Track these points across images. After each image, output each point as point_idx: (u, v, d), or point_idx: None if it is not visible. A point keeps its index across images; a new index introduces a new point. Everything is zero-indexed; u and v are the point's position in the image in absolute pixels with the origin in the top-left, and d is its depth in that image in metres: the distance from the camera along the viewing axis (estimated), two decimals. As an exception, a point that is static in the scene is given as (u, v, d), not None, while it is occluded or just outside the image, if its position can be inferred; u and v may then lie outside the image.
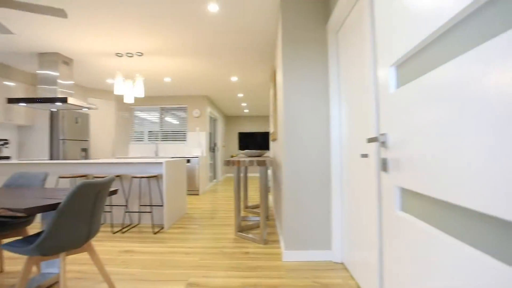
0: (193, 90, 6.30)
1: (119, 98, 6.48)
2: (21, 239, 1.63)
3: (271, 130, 4.61)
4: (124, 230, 3.34)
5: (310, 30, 2.43)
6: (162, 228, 3.42)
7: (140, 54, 3.85)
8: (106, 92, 6.19)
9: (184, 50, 3.77)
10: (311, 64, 2.42)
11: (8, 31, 2.43)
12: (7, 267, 2.30)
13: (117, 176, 3.46)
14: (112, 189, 1.97)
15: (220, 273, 2.15)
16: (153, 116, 6.90)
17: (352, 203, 1.99)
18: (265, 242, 2.82)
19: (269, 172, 8.18)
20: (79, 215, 1.57)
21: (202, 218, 3.90)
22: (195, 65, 4.45)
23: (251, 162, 2.90)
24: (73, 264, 2.33)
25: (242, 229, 3.24)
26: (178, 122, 6.87)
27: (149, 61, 4.21)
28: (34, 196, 1.73)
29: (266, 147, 10.32)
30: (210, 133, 7.65)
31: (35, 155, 4.80)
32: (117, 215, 3.64)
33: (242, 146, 10.65)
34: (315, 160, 2.40)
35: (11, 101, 3.70)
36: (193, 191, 6.12)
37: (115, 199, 3.65)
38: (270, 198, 5.46)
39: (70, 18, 2.88)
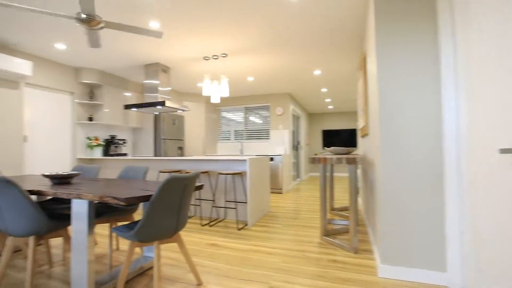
0: (275, 88, 6.28)
1: (208, 100, 7.04)
2: (127, 224, 1.84)
3: (359, 125, 4.12)
4: (212, 223, 3.53)
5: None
6: (246, 225, 3.46)
7: (224, 55, 4.02)
8: (197, 95, 6.81)
9: (265, 46, 3.74)
10: (413, 44, 1.97)
11: (99, 45, 2.82)
12: (122, 246, 2.69)
13: (205, 172, 3.69)
14: (198, 184, 2.04)
15: (304, 280, 1.97)
16: (238, 116, 7.23)
17: (482, 211, 1.49)
18: (356, 250, 2.48)
19: (358, 172, 7.47)
20: (168, 207, 1.65)
21: (285, 218, 3.79)
22: (277, 61, 4.38)
23: (339, 160, 2.60)
24: (169, 251, 2.55)
25: (328, 233, 2.96)
26: (261, 121, 7.00)
27: (232, 62, 4.37)
28: (135, 187, 1.93)
29: (352, 145, 9.52)
30: (293, 131, 7.51)
31: (144, 152, 5.64)
32: (205, 209, 3.89)
33: (326, 144, 10.14)
34: (420, 157, 1.94)
35: (126, 107, 4.42)
36: (276, 189, 6.11)
37: (203, 194, 3.91)
38: (359, 200, 4.93)
39: (167, 30, 3.19)
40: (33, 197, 3.02)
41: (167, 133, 5.63)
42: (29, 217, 1.72)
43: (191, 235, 3.04)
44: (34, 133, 4.09)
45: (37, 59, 4.05)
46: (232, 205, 3.72)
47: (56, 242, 2.86)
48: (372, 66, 2.38)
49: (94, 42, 2.69)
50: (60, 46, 3.69)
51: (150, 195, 1.61)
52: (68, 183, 2.16)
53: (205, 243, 2.79)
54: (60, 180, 2.12)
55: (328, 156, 2.69)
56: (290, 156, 6.75)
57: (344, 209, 4.11)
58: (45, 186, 2.01)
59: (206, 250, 2.59)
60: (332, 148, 3.05)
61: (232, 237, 2.97)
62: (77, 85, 4.60)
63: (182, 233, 3.13)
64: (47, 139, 4.28)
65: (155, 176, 4.21)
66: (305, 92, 6.64)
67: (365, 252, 2.47)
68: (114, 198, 1.50)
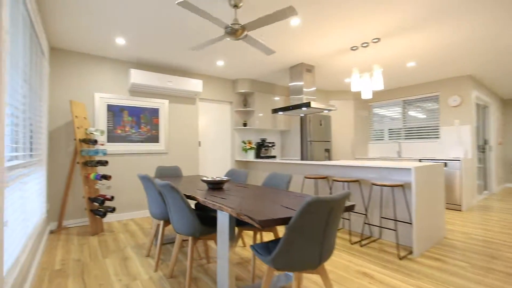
0: (448, 71, 4.78)
1: (357, 97, 6.32)
2: (266, 243, 1.70)
3: None
4: (363, 243, 2.98)
5: None
6: (410, 252, 2.69)
7: (376, 40, 3.34)
8: (344, 92, 6.26)
9: (430, 19, 2.78)
10: None
11: (271, 51, 2.87)
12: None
13: (356, 180, 3.18)
14: (348, 204, 1.64)
15: None
16: (394, 112, 6.08)
17: None
18: None
19: None
20: (309, 234, 1.36)
21: (472, 252, 2.68)
22: (449, 36, 3.22)
23: None
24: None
25: None
26: (425, 116, 5.56)
27: (387, 47, 3.59)
28: (277, 201, 1.78)
29: None
30: (477, 127, 5.53)
31: (291, 154, 5.73)
32: (356, 223, 3.37)
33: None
34: None
35: (274, 111, 4.58)
36: (452, 204, 4.64)
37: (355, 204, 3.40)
38: None
39: (308, 24, 2.95)
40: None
41: (314, 135, 5.46)
42: (187, 220, 1.91)
43: (338, 255, 2.65)
44: (204, 140, 4.96)
45: (204, 77, 4.87)
46: (390, 224, 3.01)
47: (217, 236, 3.24)
48: None
49: (264, 49, 2.84)
50: (220, 63, 4.24)
51: (289, 218, 1.37)
52: (220, 188, 2.31)
53: (354, 269, 2.32)
54: (213, 185, 2.30)
55: None
56: (473, 160, 4.97)
57: None
58: (202, 190, 2.22)
59: (355, 280, 2.13)
60: None
61: (390, 268, 2.34)
62: (234, 95, 5.23)
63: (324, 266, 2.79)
64: (213, 144, 5.09)
65: (300, 182, 4.10)
66: (500, 69, 4.68)
67: None
68: (250, 218, 1.37)
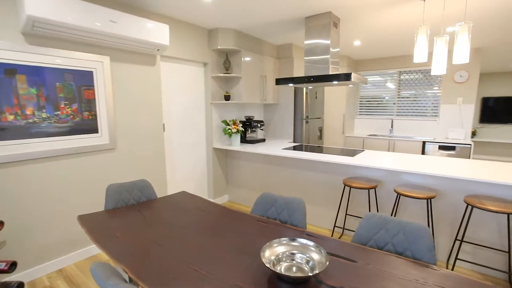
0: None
1: (350, 63, 5.29)
2: None
3: None
4: None
5: None
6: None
7: (477, -14, 2.20)
8: (339, 57, 5.12)
9: None
10: None
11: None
12: None
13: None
14: None
15: None
16: (385, 84, 5.34)
17: None
18: None
19: None
20: None
21: None
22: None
23: None
24: None
25: None
26: (423, 91, 4.96)
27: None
28: None
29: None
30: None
31: (280, 134, 4.49)
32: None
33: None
34: None
35: (281, 81, 3.15)
36: None
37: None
38: None
39: None
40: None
41: (310, 111, 4.30)
42: None
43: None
44: (168, 121, 3.25)
45: (169, 21, 2.99)
46: None
47: None
48: None
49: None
50: (207, -4, 2.48)
51: None
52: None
53: None
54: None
55: None
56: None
57: None
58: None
59: None
60: None
61: None
62: (210, 53, 3.51)
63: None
64: (182, 126, 3.42)
65: (334, 191, 2.98)
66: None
67: None
68: None
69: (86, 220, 1.64)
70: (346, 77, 2.60)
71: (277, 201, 1.77)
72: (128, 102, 2.66)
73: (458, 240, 2.35)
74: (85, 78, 2.37)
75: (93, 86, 2.43)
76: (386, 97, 5.32)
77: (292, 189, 3.30)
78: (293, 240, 1.25)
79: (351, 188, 2.87)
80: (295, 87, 4.22)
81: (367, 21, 3.16)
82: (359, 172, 2.79)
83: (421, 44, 2.48)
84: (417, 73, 4.97)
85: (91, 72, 2.41)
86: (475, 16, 2.97)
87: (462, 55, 2.33)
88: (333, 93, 5.20)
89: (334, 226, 2.89)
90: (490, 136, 6.82)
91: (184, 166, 3.45)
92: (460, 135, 4.56)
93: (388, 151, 4.66)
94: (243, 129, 3.80)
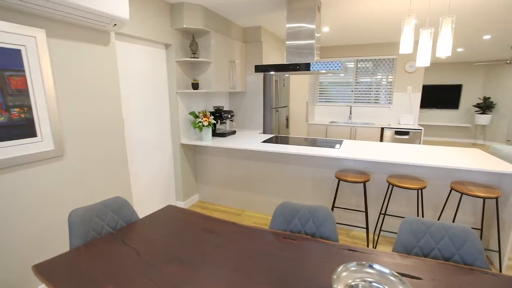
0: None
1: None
2: None
3: None
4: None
5: None
6: None
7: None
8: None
9: None
10: None
11: None
12: None
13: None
14: None
15: None
16: (344, 72, 5.46)
17: None
18: None
19: None
20: None
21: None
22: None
23: None
24: None
25: None
26: (378, 79, 5.23)
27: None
28: None
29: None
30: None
31: (248, 125, 4.19)
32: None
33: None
34: None
35: (261, 69, 2.83)
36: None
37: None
38: None
39: None
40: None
41: (279, 99, 4.10)
42: None
43: None
44: (127, 114, 2.66)
45: (126, -13, 2.36)
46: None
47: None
48: None
49: None
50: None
51: None
52: None
53: None
54: None
55: None
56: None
57: None
58: None
59: None
60: None
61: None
62: (174, 33, 2.95)
63: None
64: (142, 120, 2.86)
65: (328, 186, 2.84)
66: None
67: None
68: None
69: (48, 272, 1.13)
70: (338, 66, 2.44)
71: (299, 211, 1.52)
72: (77, 92, 2.02)
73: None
74: (9, 60, 1.67)
75: (23, 70, 1.74)
76: (345, 85, 5.46)
77: (272, 185, 3.10)
78: (362, 265, 1.03)
79: (340, 181, 2.80)
80: (264, 74, 3.94)
81: (347, 8, 3.03)
82: (346, 164, 2.72)
83: (407, 35, 2.45)
84: (373, 61, 5.19)
85: (18, 51, 1.71)
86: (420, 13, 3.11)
87: (445, 48, 2.37)
88: (297, 80, 5.09)
89: (323, 220, 2.79)
90: (429, 120, 7.93)
91: (148, 168, 2.91)
92: (410, 120, 4.98)
93: (350, 137, 4.82)
94: (214, 122, 3.40)
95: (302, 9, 2.66)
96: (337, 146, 2.88)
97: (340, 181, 2.78)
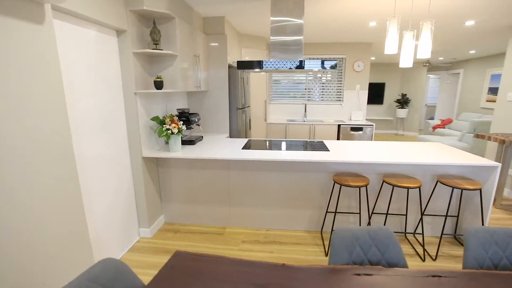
0: (355, 37, 4.64)
1: (267, 46, 5.00)
2: None
3: None
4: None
5: None
6: None
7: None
8: (258, 39, 4.70)
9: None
10: None
11: None
12: None
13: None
14: None
15: None
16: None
17: None
18: None
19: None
20: None
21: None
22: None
23: None
24: None
25: None
26: (329, 78, 5.39)
27: None
28: None
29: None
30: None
31: (212, 128, 3.72)
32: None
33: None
34: None
35: (242, 65, 2.45)
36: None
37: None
38: None
39: None
40: None
41: (245, 99, 3.76)
42: None
43: None
44: (74, 123, 1.95)
45: None
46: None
47: None
48: None
49: None
50: None
51: None
52: None
53: None
54: None
55: None
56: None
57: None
58: None
59: None
60: None
61: None
62: (129, 16, 2.29)
63: None
64: (91, 130, 2.16)
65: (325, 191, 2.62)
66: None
67: None
68: None
69: None
70: (332, 63, 2.27)
71: (359, 237, 1.26)
72: None
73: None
74: None
75: None
76: (299, 83, 5.46)
77: (258, 194, 2.78)
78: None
79: (335, 185, 2.66)
80: (229, 73, 3.54)
81: (328, 6, 2.88)
82: (337, 167, 2.60)
83: (392, 36, 2.45)
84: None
85: None
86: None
87: (425, 51, 2.46)
88: (255, 78, 4.82)
89: (322, 228, 2.63)
90: (369, 115, 8.83)
91: (103, 193, 2.20)
92: (360, 116, 5.30)
93: (309, 135, 4.84)
94: (184, 128, 2.84)
95: (289, 2, 2.39)
96: (326, 148, 2.74)
97: (335, 185, 2.65)
